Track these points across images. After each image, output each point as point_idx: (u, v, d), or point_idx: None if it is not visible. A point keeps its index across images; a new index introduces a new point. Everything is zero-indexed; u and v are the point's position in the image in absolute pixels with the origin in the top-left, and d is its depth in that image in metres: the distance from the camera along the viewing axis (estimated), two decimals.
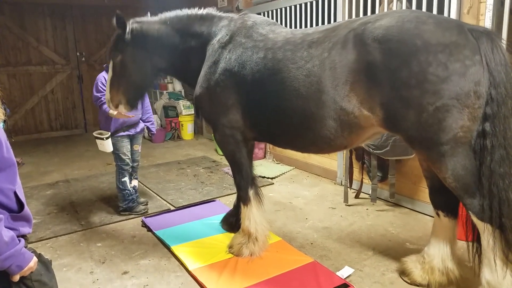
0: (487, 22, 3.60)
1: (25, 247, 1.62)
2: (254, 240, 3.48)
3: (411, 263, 3.10)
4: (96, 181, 6.00)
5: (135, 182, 4.69)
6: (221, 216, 4.39)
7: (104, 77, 4.17)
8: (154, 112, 9.55)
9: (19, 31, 9.17)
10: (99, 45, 10.18)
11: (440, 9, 4.03)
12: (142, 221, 4.37)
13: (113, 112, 3.99)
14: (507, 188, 2.41)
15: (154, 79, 4.07)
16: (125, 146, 4.43)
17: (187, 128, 8.92)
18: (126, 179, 4.49)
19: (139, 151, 4.68)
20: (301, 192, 5.22)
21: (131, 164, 4.53)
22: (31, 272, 1.62)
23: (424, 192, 4.31)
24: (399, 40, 2.48)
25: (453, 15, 3.84)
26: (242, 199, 3.55)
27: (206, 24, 3.53)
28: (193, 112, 8.92)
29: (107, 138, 4.21)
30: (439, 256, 2.96)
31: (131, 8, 10.38)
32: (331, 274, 3.17)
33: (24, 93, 9.42)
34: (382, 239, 3.82)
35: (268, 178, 5.83)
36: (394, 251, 3.55)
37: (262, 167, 6.32)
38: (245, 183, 3.52)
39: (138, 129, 4.54)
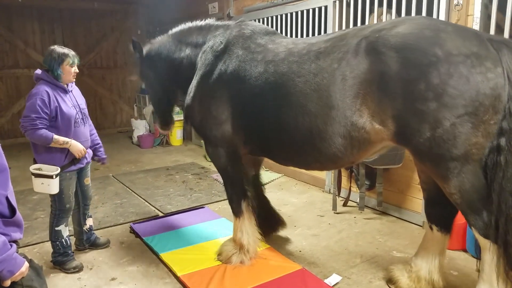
0: (475, 21, 3.68)
1: (16, 252, 1.62)
2: (245, 252, 3.47)
3: (398, 271, 3.14)
4: None
5: (90, 222, 3.88)
6: (209, 222, 4.40)
7: (46, 92, 3.18)
8: (143, 118, 9.53)
9: (6, 33, 9.07)
10: (87, 49, 10.12)
11: (430, 11, 4.10)
12: (131, 227, 4.34)
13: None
14: None
15: (171, 94, 4.03)
16: (72, 184, 3.45)
17: (176, 134, 8.90)
18: (63, 227, 3.48)
19: (90, 184, 3.81)
20: (289, 199, 5.26)
21: (72, 209, 3.56)
22: (22, 278, 1.61)
23: (411, 201, 4.39)
24: (419, 49, 2.33)
25: (442, 17, 3.92)
26: (235, 212, 3.53)
27: (203, 33, 3.56)
28: (182, 118, 8.91)
29: (57, 175, 3.21)
30: (426, 267, 2.97)
31: (120, 13, 10.40)
32: (319, 281, 3.20)
33: (10, 97, 9.32)
34: (369, 246, 3.86)
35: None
36: (381, 259, 3.60)
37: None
38: (238, 197, 3.48)
39: (89, 158, 3.64)
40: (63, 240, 3.50)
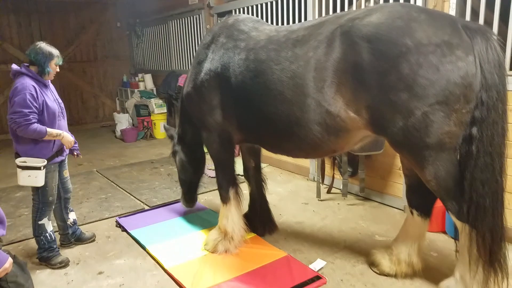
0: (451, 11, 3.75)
1: (0, 249, 1.63)
2: (230, 238, 3.53)
3: (380, 254, 3.23)
4: None
5: (73, 216, 3.88)
6: (195, 214, 4.43)
7: (33, 86, 3.19)
8: (126, 111, 9.45)
9: None
10: (67, 42, 9.94)
11: None
12: (117, 221, 4.34)
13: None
14: (485, 195, 2.38)
15: None
16: (55, 177, 3.47)
17: (160, 127, 8.85)
18: (46, 220, 3.47)
19: (68, 177, 3.80)
20: (275, 188, 5.31)
21: (54, 202, 3.55)
22: (7, 274, 1.62)
23: (393, 186, 4.49)
24: (389, 40, 2.35)
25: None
26: (222, 198, 3.60)
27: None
28: (165, 110, 8.87)
29: (44, 166, 3.23)
30: (406, 250, 3.07)
31: (99, 4, 10.22)
32: (304, 267, 3.27)
33: None
34: (352, 232, 3.95)
35: (242, 175, 5.87)
36: (364, 243, 3.69)
37: (236, 164, 6.34)
38: (227, 183, 3.56)
39: (67, 151, 3.64)
40: (47, 234, 3.49)
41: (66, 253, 3.73)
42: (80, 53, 10.24)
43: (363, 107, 2.54)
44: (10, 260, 1.63)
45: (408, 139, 2.46)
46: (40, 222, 3.46)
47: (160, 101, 8.84)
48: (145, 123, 8.89)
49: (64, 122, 3.52)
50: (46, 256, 3.50)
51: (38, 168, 3.19)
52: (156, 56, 9.82)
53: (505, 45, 3.47)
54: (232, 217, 3.55)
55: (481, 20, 3.57)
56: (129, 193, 5.31)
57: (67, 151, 3.62)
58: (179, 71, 8.54)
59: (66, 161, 3.72)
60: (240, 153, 4.04)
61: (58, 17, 9.75)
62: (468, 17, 3.67)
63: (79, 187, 5.62)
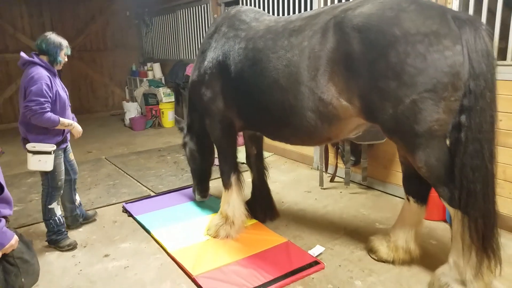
0: (454, 8, 3.75)
1: (7, 227, 1.72)
2: (231, 223, 3.63)
3: (378, 241, 3.29)
4: None
5: (78, 197, 4.07)
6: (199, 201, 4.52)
7: (48, 76, 3.31)
8: (135, 100, 9.56)
9: None
10: (77, 31, 10.06)
11: None
12: (123, 207, 4.46)
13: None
14: (475, 180, 2.42)
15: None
16: (62, 162, 3.61)
17: (168, 116, 8.95)
18: (55, 204, 3.59)
19: (74, 159, 3.97)
20: (278, 177, 5.38)
21: (63, 186, 3.68)
22: (13, 250, 1.72)
23: (395, 175, 4.52)
24: (378, 30, 2.42)
25: None
26: (224, 184, 3.70)
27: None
28: (173, 99, 8.96)
29: (53, 152, 3.39)
30: (403, 237, 3.12)
31: None
32: (303, 252, 3.35)
33: (1, 82, 9.31)
34: (353, 219, 4.01)
35: (245, 163, 5.95)
36: (364, 231, 3.74)
37: (241, 153, 6.43)
38: (229, 169, 3.65)
39: (69, 136, 3.75)
40: (56, 218, 3.61)
41: (74, 236, 3.85)
42: (90, 42, 10.35)
43: (355, 95, 2.61)
44: (16, 237, 1.73)
45: (399, 126, 2.52)
46: (50, 206, 3.58)
47: (168, 90, 8.93)
48: (154, 112, 8.99)
49: (69, 111, 3.65)
50: (55, 239, 3.64)
51: (48, 153, 3.34)
52: (165, 45, 9.89)
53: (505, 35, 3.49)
54: (233, 202, 3.64)
55: (484, 9, 3.57)
56: (136, 180, 5.43)
57: (69, 137, 3.73)
58: (187, 60, 8.61)
59: (69, 145, 3.86)
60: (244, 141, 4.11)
61: (68, 7, 9.85)
62: (471, 4, 3.65)
63: (87, 173, 5.76)
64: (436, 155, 2.52)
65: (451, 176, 2.53)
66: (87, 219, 4.14)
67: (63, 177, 3.64)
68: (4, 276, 1.72)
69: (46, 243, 3.68)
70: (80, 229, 4.03)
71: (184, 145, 4.30)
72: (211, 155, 4.27)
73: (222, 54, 3.32)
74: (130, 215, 4.27)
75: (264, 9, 6.26)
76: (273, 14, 6.11)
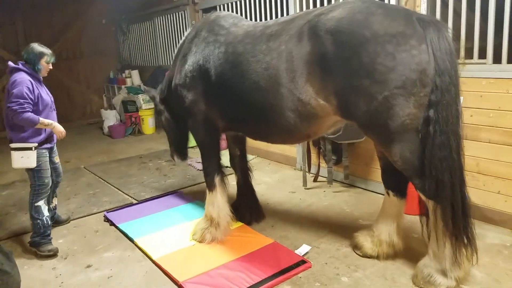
0: (422, 12, 3.85)
1: None
2: (216, 225, 3.60)
3: (362, 237, 3.32)
4: None
5: (55, 201, 4.17)
6: (184, 206, 4.48)
7: (30, 81, 3.52)
8: (113, 108, 9.42)
9: None
10: (52, 39, 9.81)
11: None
12: (105, 216, 4.37)
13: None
14: (443, 170, 2.56)
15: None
16: (48, 161, 3.73)
17: (148, 123, 8.84)
18: (42, 203, 3.67)
19: (59, 162, 4.09)
20: (263, 178, 5.37)
21: (50, 184, 3.78)
22: None
23: (376, 172, 4.57)
24: (350, 32, 2.58)
25: None
26: (208, 185, 3.70)
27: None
28: (153, 106, 8.85)
29: (35, 148, 3.52)
30: (386, 230, 3.18)
31: (83, 0, 10.10)
32: (290, 252, 3.34)
33: None
34: (337, 217, 4.03)
35: (229, 167, 5.92)
36: (348, 228, 3.76)
37: (225, 156, 6.40)
38: (212, 170, 3.67)
39: (55, 138, 3.87)
40: (44, 218, 3.66)
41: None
42: (66, 50, 10.15)
43: (331, 94, 2.74)
44: None
45: (373, 122, 2.67)
46: (36, 204, 3.65)
47: (148, 97, 8.82)
48: (133, 119, 8.87)
49: (54, 114, 3.82)
50: (38, 241, 3.64)
51: (30, 149, 3.49)
52: (143, 52, 9.79)
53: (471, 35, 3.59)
54: (218, 203, 3.63)
55: (450, 12, 3.69)
56: (117, 188, 5.33)
57: (55, 139, 3.86)
58: (166, 66, 8.54)
59: (56, 148, 3.97)
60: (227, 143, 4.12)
61: (42, 15, 9.62)
62: (438, 8, 3.77)
63: (66, 183, 5.62)
64: (410, 148, 2.65)
65: (424, 168, 2.64)
66: (59, 223, 4.23)
67: (49, 175, 3.74)
68: None
69: (25, 257, 3.58)
70: (60, 240, 3.92)
71: (159, 113, 4.29)
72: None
73: (203, 58, 3.41)
74: (112, 224, 4.19)
75: (241, 15, 6.27)
76: (250, 18, 6.13)
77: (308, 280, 3.01)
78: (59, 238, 3.97)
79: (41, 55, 3.65)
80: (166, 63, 8.73)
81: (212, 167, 3.66)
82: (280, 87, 2.90)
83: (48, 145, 3.75)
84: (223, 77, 3.25)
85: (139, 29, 9.74)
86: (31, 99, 3.48)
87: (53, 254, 3.61)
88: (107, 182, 5.60)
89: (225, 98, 3.31)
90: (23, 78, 3.51)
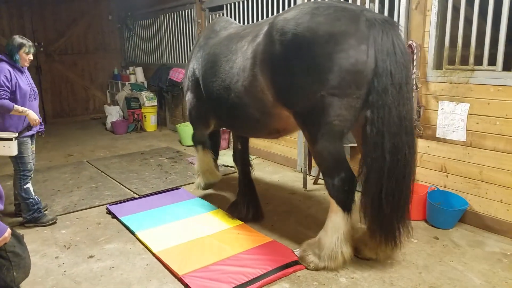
0: (433, 17, 3.92)
1: None
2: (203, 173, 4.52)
3: (359, 240, 3.35)
4: (58, 171, 5.95)
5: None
6: (185, 202, 4.54)
7: (8, 70, 3.73)
8: (116, 104, 9.48)
9: None
10: (58, 34, 9.93)
11: (391, 5, 4.32)
12: (107, 209, 4.43)
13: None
14: (372, 170, 2.73)
15: None
16: (29, 148, 3.99)
17: (150, 120, 8.91)
18: (29, 186, 4.02)
19: (34, 152, 4.20)
20: (263, 179, 5.43)
21: (33, 168, 4.06)
22: (5, 244, 1.72)
23: None
24: (294, 33, 2.69)
25: (403, 11, 4.14)
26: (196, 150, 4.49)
27: None
28: (156, 103, 8.93)
29: (16, 138, 3.72)
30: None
31: None
32: (288, 250, 3.40)
33: None
34: None
35: (231, 167, 5.99)
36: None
37: (226, 156, 6.46)
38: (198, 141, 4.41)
39: (37, 128, 4.05)
40: (34, 196, 4.04)
41: (57, 238, 3.82)
42: (71, 45, 10.22)
43: (278, 91, 2.90)
44: (9, 230, 1.73)
45: (308, 119, 2.81)
46: (25, 187, 3.99)
47: (151, 94, 8.90)
48: (136, 116, 8.93)
49: (35, 103, 4.02)
50: (37, 216, 4.03)
51: (10, 139, 3.67)
52: (147, 49, 9.86)
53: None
54: (202, 159, 4.45)
55: (461, 17, 3.74)
56: (119, 183, 5.39)
57: (36, 127, 4.02)
58: (170, 64, 8.61)
59: (34, 138, 4.15)
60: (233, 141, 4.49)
61: (49, 9, 9.70)
62: (449, 13, 3.82)
63: (69, 176, 5.69)
64: (328, 149, 2.80)
65: (337, 170, 2.86)
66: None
67: (32, 161, 4.04)
68: None
69: (29, 246, 3.60)
70: (63, 231, 3.98)
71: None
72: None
73: (196, 61, 3.85)
74: (114, 216, 4.24)
75: (247, 14, 6.33)
76: (256, 18, 6.19)
77: (307, 279, 3.07)
78: (62, 228, 4.03)
79: (20, 46, 3.85)
80: (170, 61, 8.79)
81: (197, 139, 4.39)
82: (242, 85, 3.11)
83: (28, 133, 3.96)
84: (205, 76, 3.62)
85: (144, 26, 9.82)
86: (7, 87, 3.70)
87: (54, 222, 4.11)
88: (109, 176, 5.65)
89: (208, 97, 3.66)
90: (2, 67, 3.73)
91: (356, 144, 4.45)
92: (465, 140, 3.80)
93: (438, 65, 4.01)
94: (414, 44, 3.99)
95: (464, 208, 3.79)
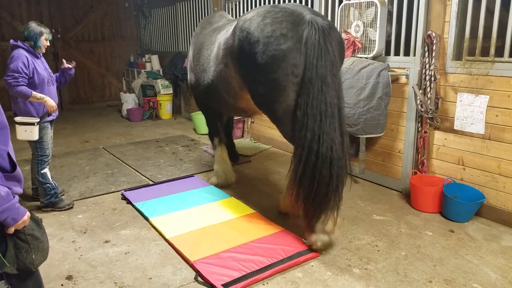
0: (453, 7, 3.82)
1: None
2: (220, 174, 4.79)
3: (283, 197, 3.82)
4: (74, 157, 6.05)
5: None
6: (199, 189, 4.58)
7: (26, 56, 3.77)
8: (132, 91, 9.54)
9: None
10: (75, 21, 10.00)
11: None
12: (122, 194, 4.49)
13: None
14: (299, 146, 3.11)
15: None
16: (48, 133, 4.08)
17: (166, 108, 8.96)
18: (47, 170, 4.10)
19: (52, 137, 4.28)
20: (276, 168, 5.43)
21: (51, 154, 4.15)
22: (24, 227, 1.75)
23: (392, 168, 4.60)
24: (248, 31, 3.23)
25: (423, 1, 4.04)
26: (213, 146, 4.87)
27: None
28: (171, 91, 8.96)
29: (38, 123, 3.81)
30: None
31: None
32: (299, 240, 3.40)
33: None
34: (350, 211, 4.07)
35: (245, 156, 6.01)
36: (361, 221, 3.82)
37: (240, 145, 6.49)
38: (214, 135, 4.83)
39: (56, 113, 4.12)
40: (51, 181, 4.12)
41: (73, 223, 3.89)
42: (88, 32, 10.29)
43: (241, 78, 3.49)
44: (28, 213, 1.76)
45: (265, 104, 3.36)
46: (42, 171, 4.06)
47: (166, 82, 8.93)
48: (151, 104, 8.99)
49: (53, 88, 4.11)
50: (54, 201, 4.13)
51: (32, 124, 3.75)
52: (163, 37, 9.87)
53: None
54: (218, 159, 4.83)
55: (482, 10, 3.64)
56: (134, 169, 5.45)
57: (55, 113, 4.10)
58: (186, 53, 8.60)
59: (53, 124, 4.26)
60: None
61: None
62: (470, 3, 3.72)
63: (85, 162, 5.77)
64: (288, 127, 3.24)
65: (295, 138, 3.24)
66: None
67: (50, 146, 4.12)
68: (15, 252, 1.74)
69: (46, 230, 3.70)
70: (80, 216, 4.06)
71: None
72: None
73: (192, 50, 4.53)
74: (129, 202, 4.30)
75: (263, 3, 6.27)
76: None
77: (320, 269, 3.07)
78: (78, 213, 4.10)
79: (41, 33, 3.91)
80: (186, 50, 8.79)
81: (214, 134, 4.82)
82: (216, 71, 3.83)
83: (49, 118, 4.05)
84: (194, 62, 4.37)
85: (160, 14, 9.82)
86: (25, 73, 3.74)
87: (71, 206, 4.21)
88: (125, 163, 5.72)
89: (197, 80, 4.32)
90: (20, 54, 3.77)
91: (372, 135, 4.45)
92: (483, 133, 3.73)
93: (457, 56, 3.92)
94: (434, 35, 3.90)
95: (481, 202, 3.73)
